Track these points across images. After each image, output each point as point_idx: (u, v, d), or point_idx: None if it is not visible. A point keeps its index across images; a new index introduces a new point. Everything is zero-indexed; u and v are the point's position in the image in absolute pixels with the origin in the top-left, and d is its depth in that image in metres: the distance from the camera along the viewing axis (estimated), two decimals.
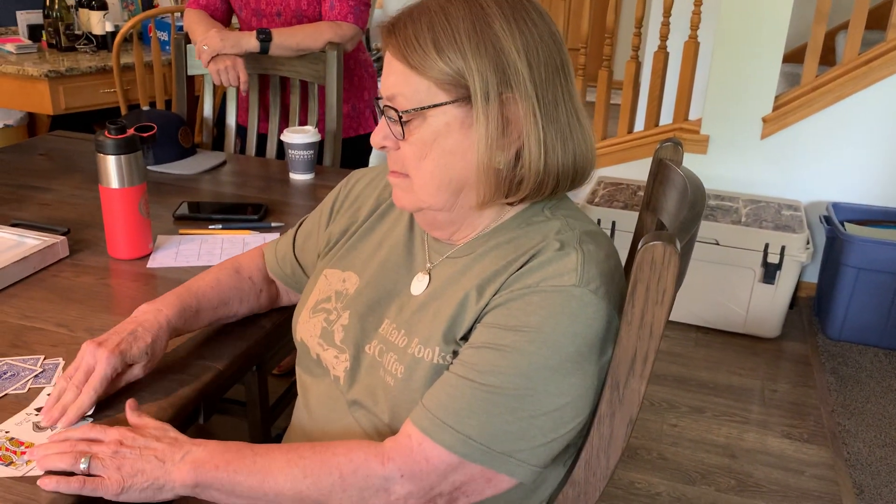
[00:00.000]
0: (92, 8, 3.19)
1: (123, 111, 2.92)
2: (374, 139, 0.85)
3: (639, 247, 0.75)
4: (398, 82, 0.81)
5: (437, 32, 0.78)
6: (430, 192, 0.83)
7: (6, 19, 3.30)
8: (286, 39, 1.90)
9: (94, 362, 0.87)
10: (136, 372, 0.93)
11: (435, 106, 0.79)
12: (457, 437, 0.76)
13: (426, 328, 0.84)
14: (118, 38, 2.78)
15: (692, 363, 2.56)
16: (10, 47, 3.05)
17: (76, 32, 3.20)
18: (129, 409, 0.87)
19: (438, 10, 0.79)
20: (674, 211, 0.99)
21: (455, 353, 0.81)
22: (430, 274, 0.89)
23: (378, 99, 0.85)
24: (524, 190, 0.82)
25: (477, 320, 0.81)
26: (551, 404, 0.77)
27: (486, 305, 0.80)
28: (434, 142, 0.80)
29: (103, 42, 3.21)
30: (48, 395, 0.89)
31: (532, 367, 0.76)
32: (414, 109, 0.80)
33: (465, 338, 0.82)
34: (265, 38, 1.88)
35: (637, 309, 0.76)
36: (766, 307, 2.65)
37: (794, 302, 2.84)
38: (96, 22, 3.20)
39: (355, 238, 0.98)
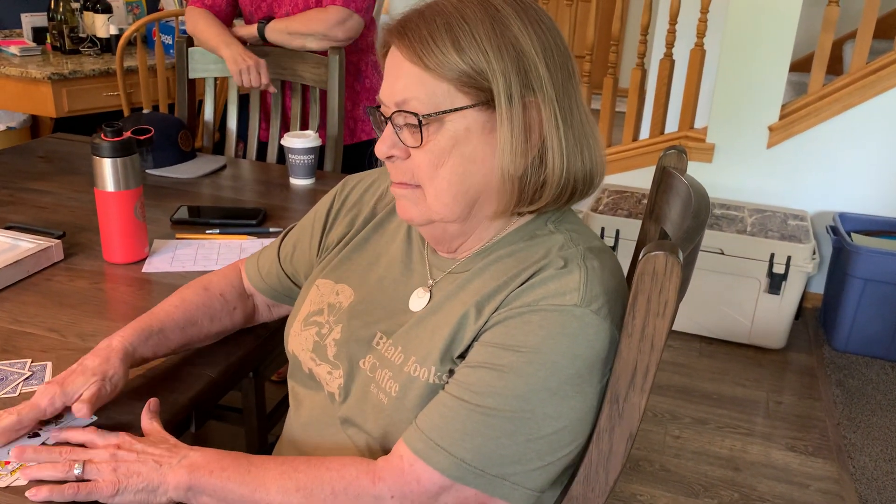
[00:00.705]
0: (96, 11, 3.19)
1: (126, 114, 2.91)
2: (380, 149, 0.80)
3: (640, 257, 0.73)
4: (411, 85, 0.76)
5: (455, 33, 0.74)
6: (445, 203, 0.79)
7: (11, 21, 3.30)
8: (278, 23, 1.91)
9: (38, 394, 0.84)
10: (85, 397, 0.84)
11: (456, 110, 0.76)
12: (450, 459, 0.74)
13: (423, 346, 0.81)
14: (122, 41, 2.77)
15: (696, 374, 2.53)
16: (14, 49, 3.05)
17: (80, 35, 3.20)
18: (147, 409, 0.87)
19: (454, 10, 0.76)
20: (677, 220, 0.97)
21: (451, 372, 0.79)
22: (431, 291, 0.86)
23: (376, 107, 0.81)
24: (545, 198, 0.79)
25: (475, 338, 0.78)
26: (549, 427, 0.74)
27: (486, 323, 0.78)
28: (453, 148, 0.77)
29: (107, 45, 3.21)
30: None
31: (530, 390, 0.73)
32: (435, 114, 0.76)
33: (463, 356, 0.79)
34: (263, 22, 1.91)
35: (638, 321, 0.74)
36: (772, 318, 2.62)
37: (800, 313, 2.81)
38: (100, 25, 3.20)
39: (350, 248, 0.96)
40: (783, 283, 2.56)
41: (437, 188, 0.79)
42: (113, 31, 3.21)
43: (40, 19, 3.26)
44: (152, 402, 0.88)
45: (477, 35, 0.74)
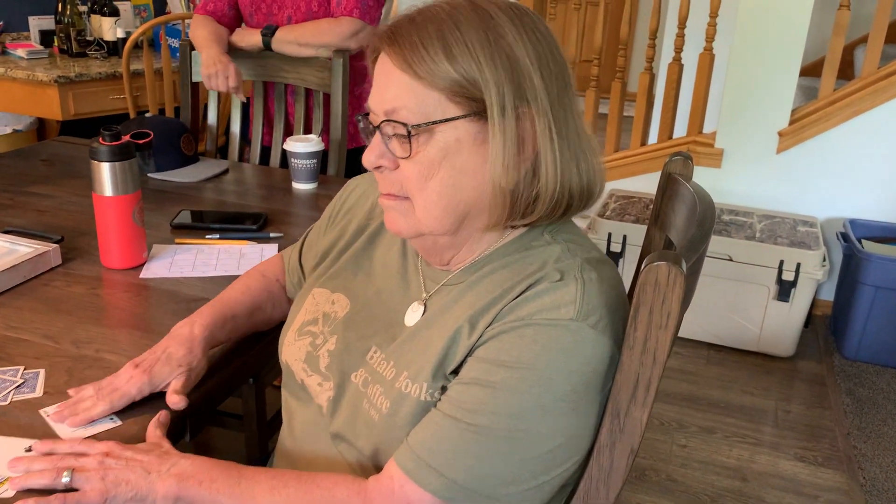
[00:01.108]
0: (104, 14, 3.19)
1: (133, 117, 2.90)
2: (368, 159, 0.78)
3: (642, 267, 0.71)
4: (400, 94, 0.73)
5: (447, 40, 0.71)
6: (436, 216, 0.76)
7: (18, 24, 3.31)
8: (286, 34, 1.89)
9: (127, 380, 0.89)
10: (177, 387, 0.89)
11: (446, 120, 0.73)
12: (441, 480, 0.71)
13: (416, 361, 0.78)
14: (128, 44, 2.77)
15: (703, 381, 2.50)
16: (21, 52, 3.06)
17: (87, 38, 3.21)
18: (156, 420, 0.86)
19: (446, 17, 0.73)
20: (682, 228, 0.95)
21: (444, 389, 0.76)
22: (425, 304, 0.84)
23: (364, 115, 0.79)
24: (538, 212, 0.76)
25: (468, 354, 0.76)
26: (544, 446, 0.72)
27: (479, 338, 0.75)
28: (443, 160, 0.74)
29: (114, 48, 3.21)
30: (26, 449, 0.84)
31: (524, 408, 0.71)
32: (425, 124, 0.73)
33: (456, 372, 0.76)
34: (268, 33, 1.89)
35: (640, 333, 0.72)
36: (781, 325, 2.58)
37: (810, 320, 2.77)
38: (108, 28, 3.20)
39: (346, 257, 0.94)
40: (792, 290, 2.52)
41: (426, 200, 0.76)
42: (120, 34, 3.21)
43: (48, 22, 3.27)
44: (162, 414, 0.87)
45: (470, 43, 0.72)
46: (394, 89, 0.74)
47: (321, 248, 0.98)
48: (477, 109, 0.73)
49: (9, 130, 3.09)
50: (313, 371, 0.88)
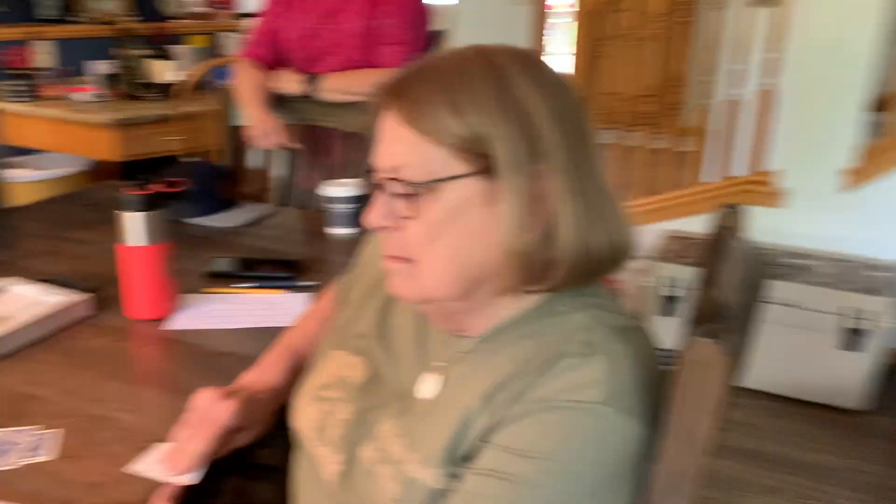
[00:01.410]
0: (161, 58, 3.28)
1: (184, 159, 2.95)
2: (371, 219, 0.73)
3: (684, 342, 0.63)
4: (405, 151, 0.69)
5: (454, 94, 0.67)
6: (444, 281, 0.70)
7: (78, 69, 3.42)
8: (334, 83, 1.91)
9: (220, 411, 0.83)
10: (239, 441, 0.87)
11: (453, 178, 0.68)
12: None
13: (426, 441, 0.72)
14: (182, 86, 2.83)
15: (767, 436, 2.34)
16: (80, 96, 3.15)
17: (145, 82, 3.29)
18: (164, 492, 0.81)
19: (453, 69, 0.68)
20: (734, 290, 0.86)
21: (456, 476, 0.69)
22: (440, 375, 0.77)
23: (369, 172, 0.74)
24: (557, 277, 0.70)
25: (484, 437, 0.69)
26: None
27: (497, 420, 0.68)
28: (450, 220, 0.68)
29: (171, 91, 3.29)
30: None
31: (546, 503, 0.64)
32: (430, 182, 0.68)
33: (470, 456, 0.69)
34: (311, 81, 1.90)
35: (680, 417, 0.63)
36: (850, 376, 2.42)
37: (889, 372, 2.59)
38: (165, 71, 3.28)
39: (367, 316, 0.88)
40: (863, 338, 2.36)
41: (433, 264, 0.70)
42: (175, 77, 3.28)
43: (106, 67, 3.37)
44: (172, 487, 0.82)
45: (478, 97, 0.66)
46: (398, 146, 0.69)
47: (348, 294, 0.94)
48: (486, 167, 0.67)
49: (64, 173, 3.17)
50: (323, 441, 0.82)
